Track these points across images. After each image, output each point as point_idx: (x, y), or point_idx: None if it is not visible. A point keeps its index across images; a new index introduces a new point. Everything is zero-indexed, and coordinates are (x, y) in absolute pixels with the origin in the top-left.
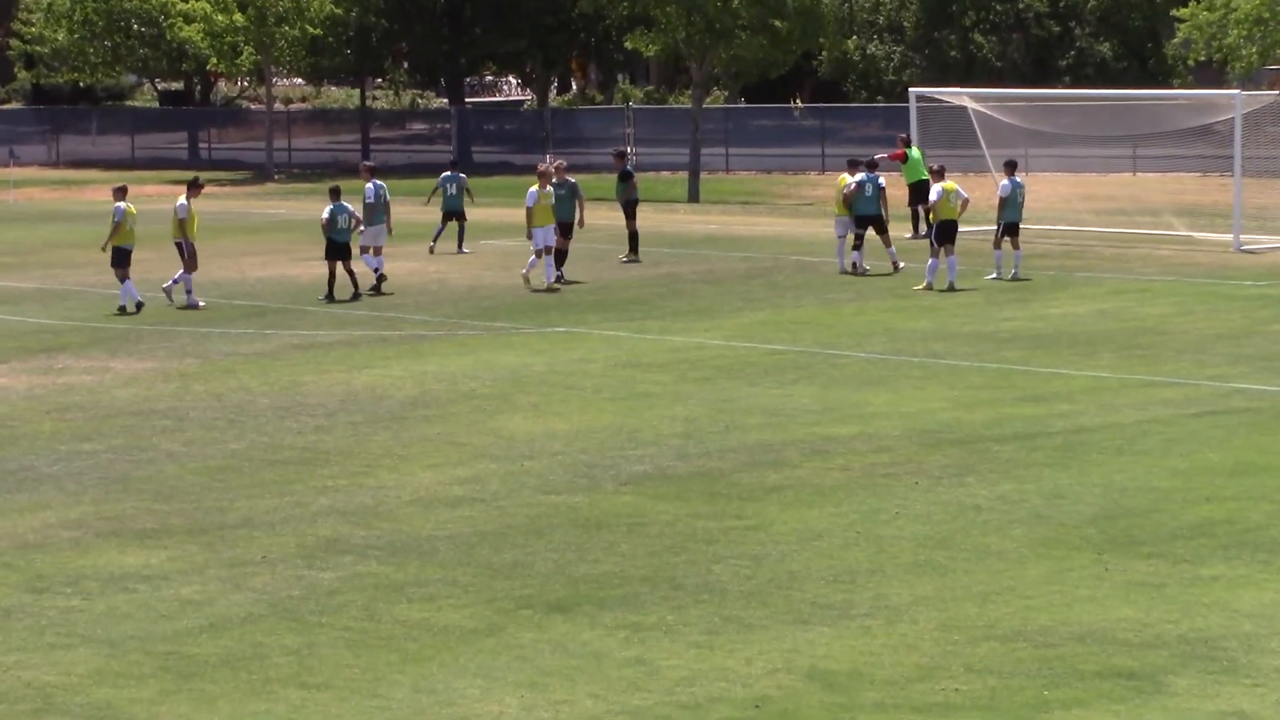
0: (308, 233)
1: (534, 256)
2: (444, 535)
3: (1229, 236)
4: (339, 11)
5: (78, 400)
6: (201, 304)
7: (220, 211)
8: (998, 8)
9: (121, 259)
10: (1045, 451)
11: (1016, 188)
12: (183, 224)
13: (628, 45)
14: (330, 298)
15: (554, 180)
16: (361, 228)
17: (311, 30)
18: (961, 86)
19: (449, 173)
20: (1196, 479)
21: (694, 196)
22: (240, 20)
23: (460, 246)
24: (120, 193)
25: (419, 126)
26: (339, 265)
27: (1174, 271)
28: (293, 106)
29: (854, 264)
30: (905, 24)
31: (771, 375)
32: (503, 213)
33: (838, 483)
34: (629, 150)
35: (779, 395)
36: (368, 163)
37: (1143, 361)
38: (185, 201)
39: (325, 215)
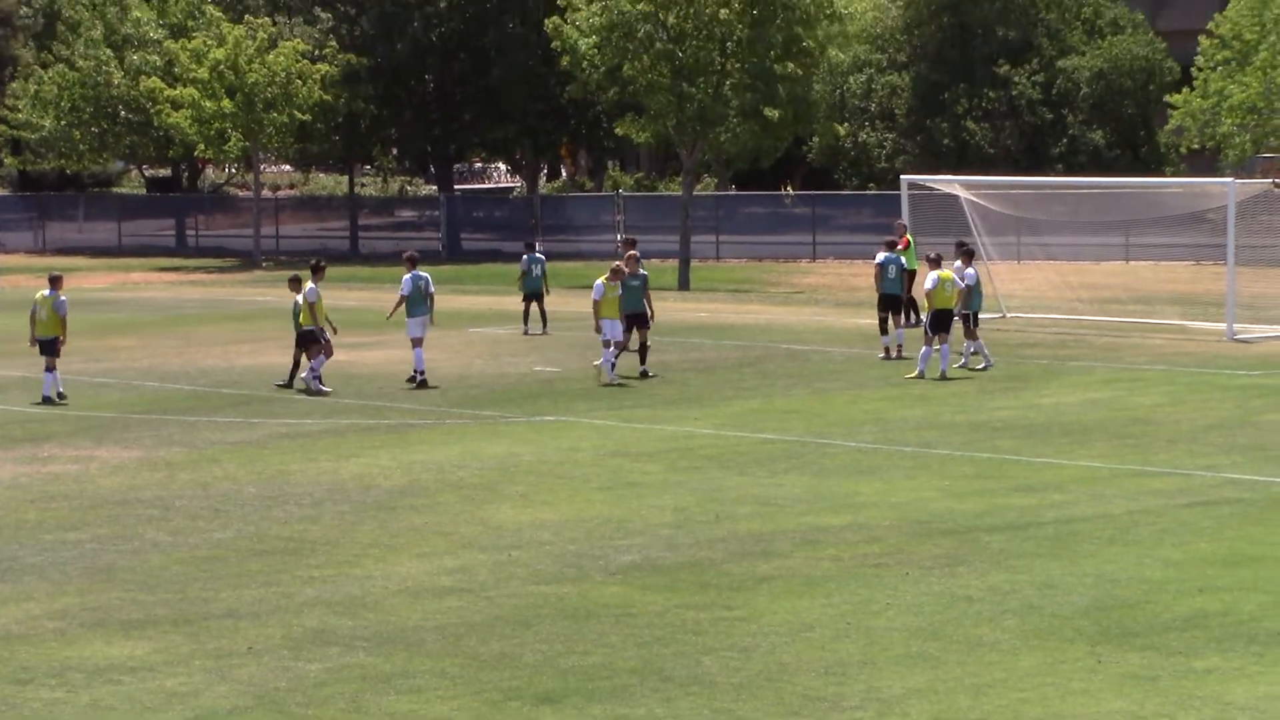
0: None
1: (606, 349)
2: (431, 626)
3: (1222, 325)
4: (327, 98)
5: (63, 489)
6: (328, 390)
7: (207, 299)
8: (990, 95)
9: (45, 348)
10: (1037, 542)
11: (978, 278)
12: (313, 308)
13: (618, 132)
14: (287, 385)
15: (627, 273)
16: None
17: (300, 116)
18: (954, 174)
19: (530, 254)
20: (1189, 570)
21: (684, 284)
22: (228, 106)
23: (544, 327)
24: (54, 282)
25: (407, 213)
26: (297, 353)
27: (1166, 361)
28: (280, 193)
29: (885, 348)
30: (897, 111)
31: (762, 464)
32: (491, 300)
33: (829, 573)
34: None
35: (770, 484)
36: (411, 253)
37: (1135, 451)
38: (314, 286)
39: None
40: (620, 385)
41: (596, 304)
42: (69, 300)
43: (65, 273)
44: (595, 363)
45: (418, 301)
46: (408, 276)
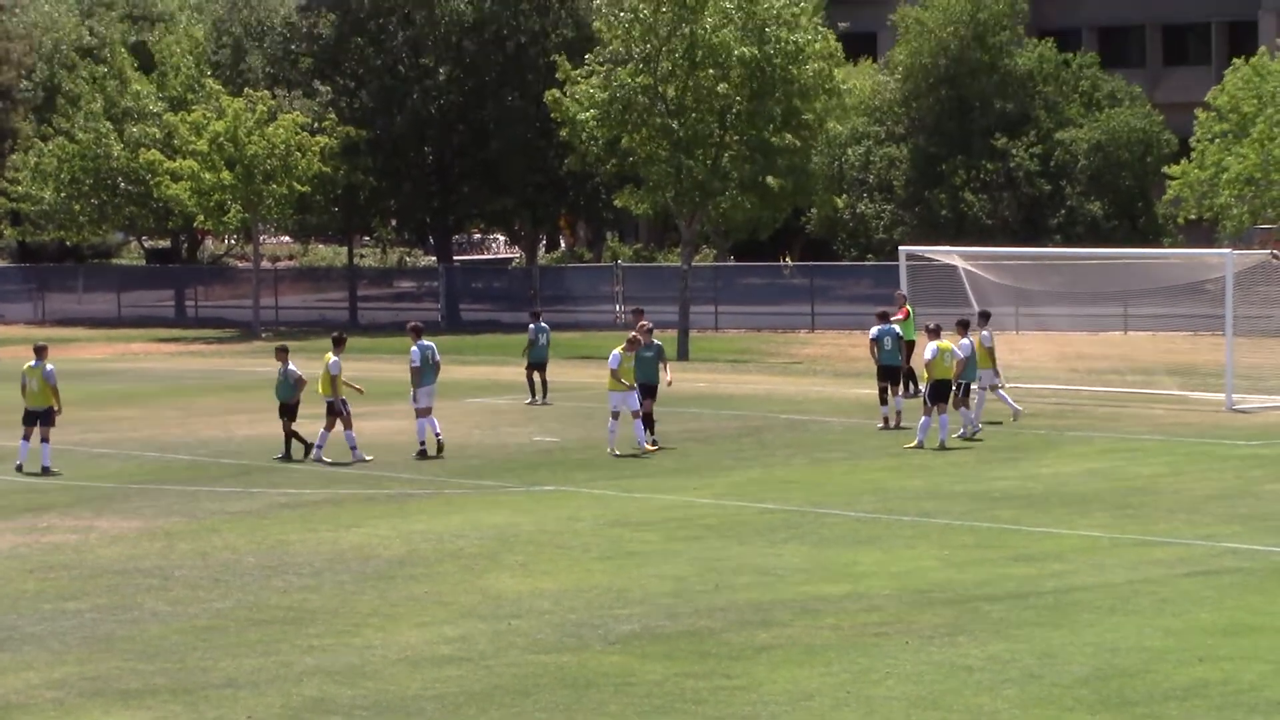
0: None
1: (612, 420)
2: (431, 695)
3: (1221, 396)
4: (327, 170)
5: (62, 559)
6: (369, 457)
7: (206, 370)
8: (988, 166)
9: (28, 419)
10: (1037, 611)
11: (972, 347)
12: (334, 380)
13: (617, 204)
14: (286, 457)
15: (643, 344)
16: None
17: (299, 188)
18: (952, 245)
19: (536, 324)
20: (1190, 639)
21: (683, 354)
22: (227, 178)
23: (545, 397)
24: (39, 352)
25: (406, 284)
26: (285, 424)
27: (1166, 431)
28: (280, 264)
29: (884, 418)
30: (895, 182)
31: (762, 534)
32: (490, 370)
33: (828, 642)
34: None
35: (769, 554)
36: (415, 324)
37: (1135, 521)
38: (337, 358)
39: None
40: (635, 456)
41: (614, 373)
42: (56, 369)
43: (65, 344)
44: (608, 449)
45: (426, 371)
46: (415, 348)
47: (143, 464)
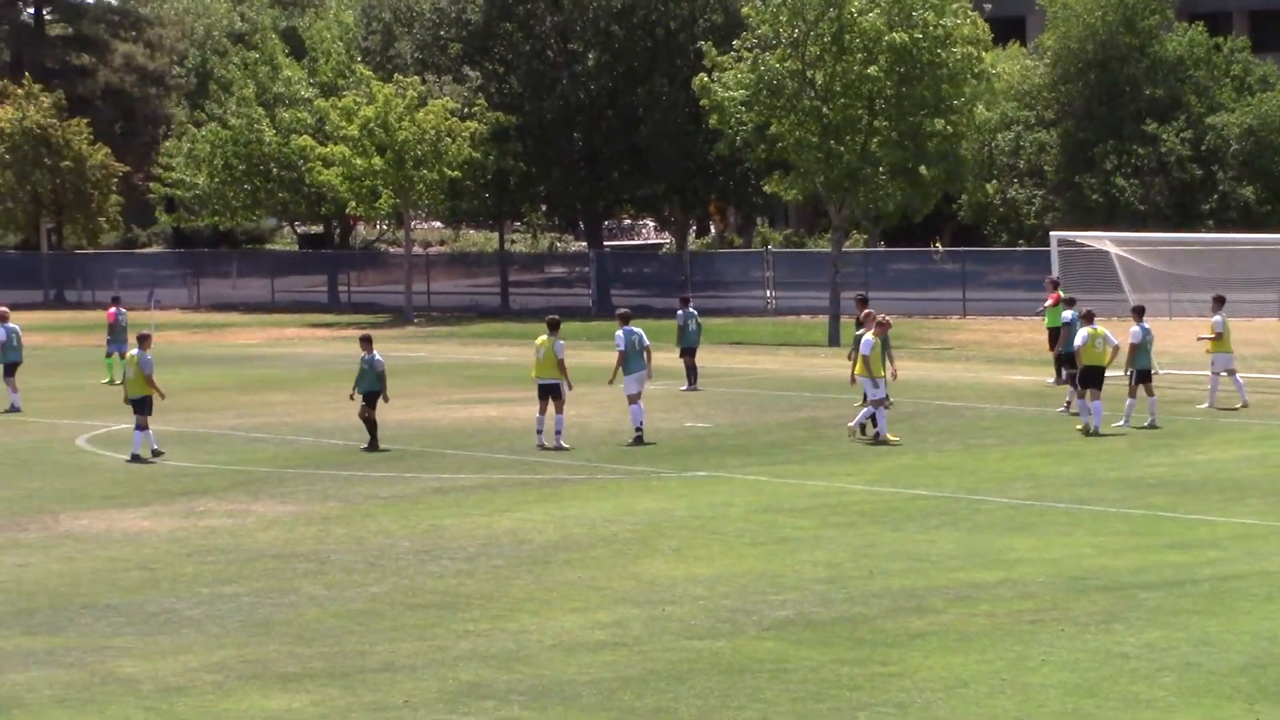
0: (447, 375)
1: (868, 407)
2: (586, 680)
3: None
4: (477, 155)
5: (219, 543)
6: (567, 446)
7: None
8: (1139, 151)
9: (137, 407)
10: (1193, 599)
11: (1147, 334)
12: (562, 364)
13: (766, 190)
14: (373, 446)
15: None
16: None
17: (450, 173)
18: (1103, 230)
19: (685, 309)
20: None
21: (834, 340)
22: (379, 164)
23: (696, 382)
24: (142, 341)
25: (557, 270)
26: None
27: None
28: (432, 249)
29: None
30: (1046, 168)
31: (915, 520)
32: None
33: (983, 629)
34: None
35: (922, 540)
36: (623, 310)
37: None
38: (561, 341)
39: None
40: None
41: (866, 359)
42: (154, 359)
43: (219, 329)
44: (850, 424)
45: (633, 357)
46: (620, 332)
47: (297, 449)
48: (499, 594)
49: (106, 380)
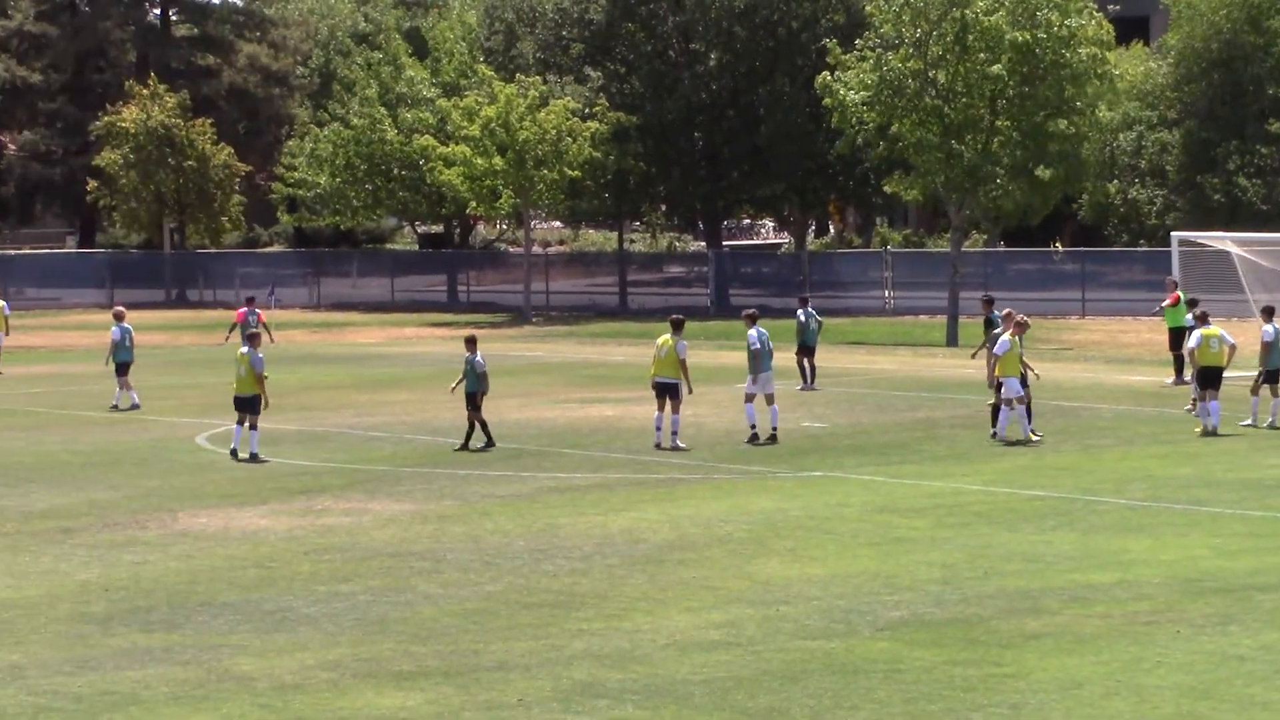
0: (565, 375)
1: (1005, 408)
2: (699, 680)
3: None
4: (598, 155)
5: (336, 541)
6: (684, 445)
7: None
8: (1262, 151)
9: (236, 405)
10: None
11: (1278, 334)
12: (683, 364)
13: (886, 190)
14: (484, 445)
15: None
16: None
17: (570, 173)
18: (1225, 230)
19: (804, 309)
20: None
21: (952, 340)
22: (500, 164)
23: (813, 382)
24: (252, 340)
25: (676, 269)
26: (471, 414)
27: None
28: (551, 249)
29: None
30: (1168, 167)
31: (1030, 521)
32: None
33: (1098, 630)
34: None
35: (1038, 541)
36: (751, 310)
37: None
38: (684, 341)
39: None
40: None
41: (1000, 360)
42: (264, 358)
43: (339, 328)
44: (993, 431)
45: (763, 357)
46: (753, 331)
47: (415, 447)
48: (613, 593)
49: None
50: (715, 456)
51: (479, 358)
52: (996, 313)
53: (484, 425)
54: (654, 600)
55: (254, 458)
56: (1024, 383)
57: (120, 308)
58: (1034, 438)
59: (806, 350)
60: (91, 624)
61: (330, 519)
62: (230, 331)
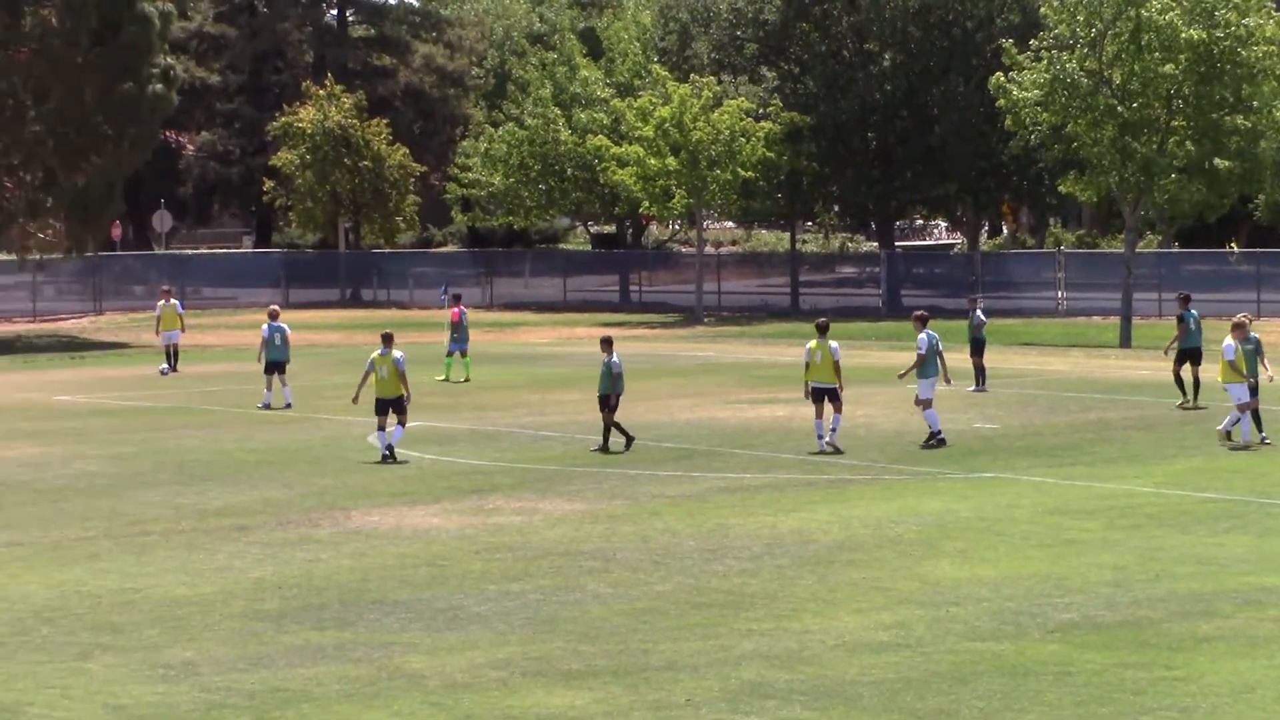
0: (736, 375)
1: (1235, 412)
2: (868, 681)
3: None
4: (771, 155)
5: (507, 540)
6: (840, 447)
7: (649, 353)
8: None
9: (380, 408)
10: None
11: None
12: (837, 366)
13: (1060, 191)
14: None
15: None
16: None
17: (743, 173)
18: None
19: (973, 309)
20: None
21: (1125, 342)
22: (673, 164)
23: (983, 383)
24: (387, 340)
25: (848, 270)
26: (606, 416)
27: None
28: (722, 249)
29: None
30: None
31: (1204, 523)
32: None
33: (1271, 634)
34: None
35: (1211, 544)
36: (921, 311)
37: None
38: (836, 344)
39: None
40: (1268, 444)
41: (1229, 364)
42: (402, 357)
43: (511, 327)
44: (1219, 427)
45: (931, 361)
46: (924, 335)
47: (586, 447)
48: (782, 594)
49: (441, 377)
50: (885, 457)
51: (615, 359)
52: (1192, 311)
53: (619, 426)
54: (823, 601)
55: (390, 451)
56: (1254, 390)
57: (274, 306)
58: (1265, 442)
59: (976, 352)
60: (265, 621)
61: (501, 518)
62: (452, 332)
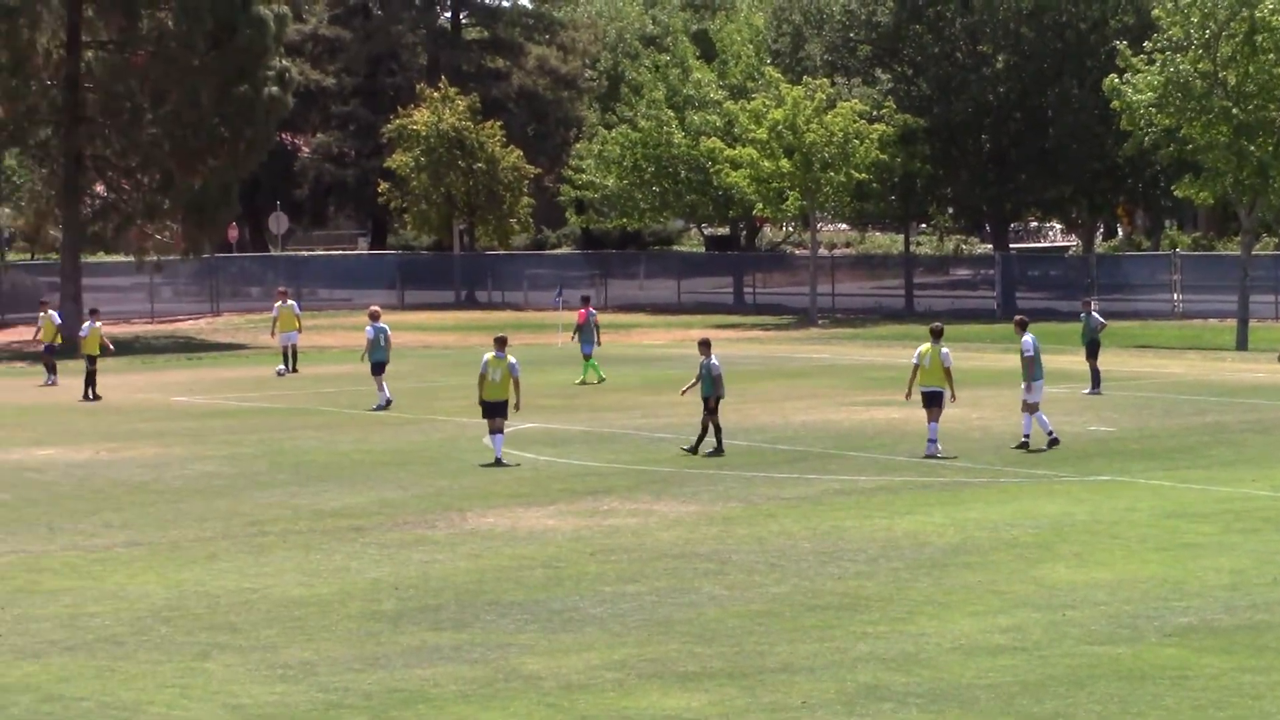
0: (850, 377)
1: None
2: (984, 684)
3: None
4: (884, 157)
5: (622, 542)
6: (941, 451)
7: (763, 355)
8: None
9: (488, 411)
10: None
11: None
12: (948, 371)
13: (1176, 194)
14: (714, 449)
15: None
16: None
17: (857, 176)
18: None
19: (1087, 312)
20: None
21: (1242, 344)
22: (786, 166)
23: (1096, 387)
24: (500, 344)
25: (962, 272)
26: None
27: None
28: (836, 251)
29: None
30: None
31: None
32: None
33: None
34: None
35: None
36: (1020, 316)
37: None
38: (947, 350)
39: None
40: None
41: None
42: (519, 360)
43: (625, 329)
44: None
45: (1035, 363)
46: (1028, 338)
47: (701, 449)
48: (898, 596)
49: (579, 380)
50: (1001, 460)
51: (714, 361)
52: None
53: (718, 429)
54: (939, 604)
55: (498, 462)
56: None
57: (375, 308)
58: None
59: (1092, 354)
60: (381, 622)
61: (616, 520)
62: (575, 333)
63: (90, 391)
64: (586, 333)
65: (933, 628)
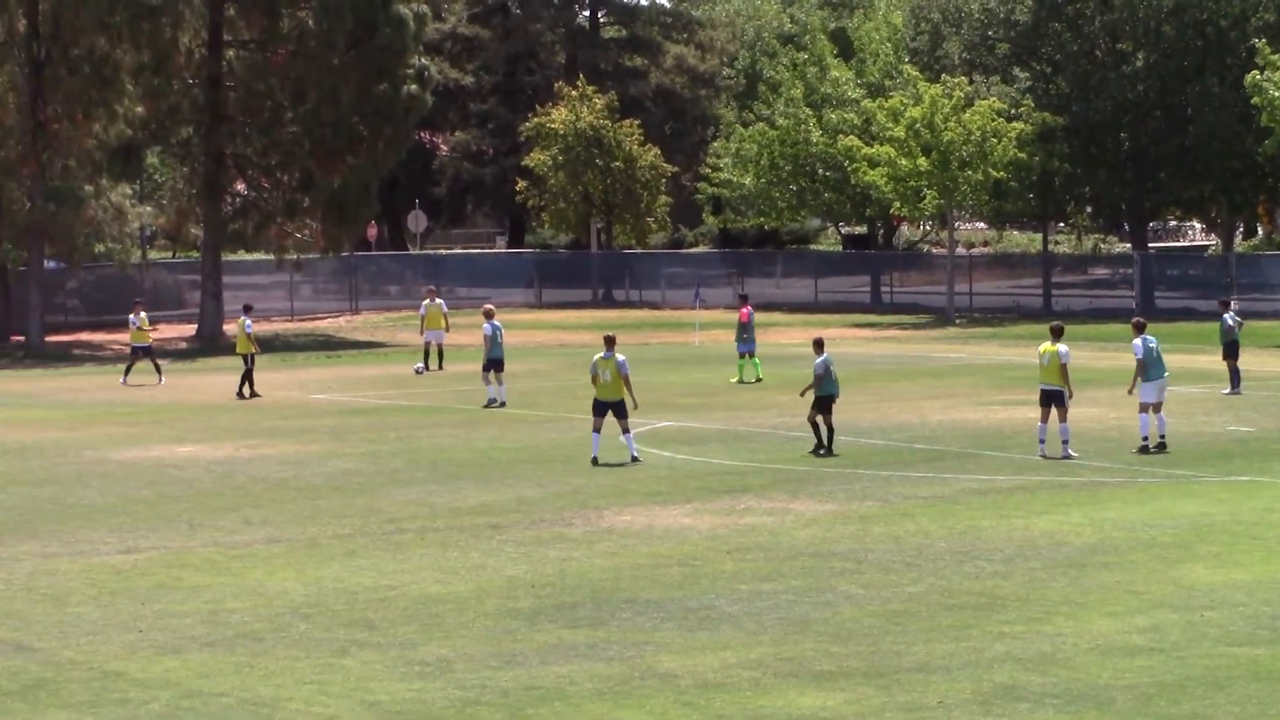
0: (988, 376)
1: None
2: (1122, 685)
3: None
4: (1023, 156)
5: (759, 541)
6: (1075, 454)
7: (900, 354)
8: None
9: (599, 409)
10: None
11: None
12: (1064, 369)
13: None
14: (822, 449)
15: None
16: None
17: (995, 174)
18: None
19: (1226, 312)
20: None
21: None
22: (924, 164)
23: (1237, 386)
24: (609, 343)
25: (1100, 271)
26: (822, 417)
27: None
28: (974, 250)
29: None
30: None
31: None
32: (1183, 359)
33: None
34: None
35: None
36: (1138, 319)
37: None
38: (1066, 349)
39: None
40: None
41: None
42: (628, 360)
43: (762, 328)
44: None
45: (1152, 364)
46: (1139, 341)
47: (838, 447)
48: (1035, 596)
49: (735, 379)
50: (1139, 460)
51: (823, 358)
52: None
53: (830, 430)
54: (1076, 604)
55: (635, 460)
56: None
57: (489, 305)
58: None
59: (1231, 354)
60: (518, 619)
61: (753, 518)
62: (743, 333)
63: (248, 388)
64: (748, 332)
65: (1070, 628)
